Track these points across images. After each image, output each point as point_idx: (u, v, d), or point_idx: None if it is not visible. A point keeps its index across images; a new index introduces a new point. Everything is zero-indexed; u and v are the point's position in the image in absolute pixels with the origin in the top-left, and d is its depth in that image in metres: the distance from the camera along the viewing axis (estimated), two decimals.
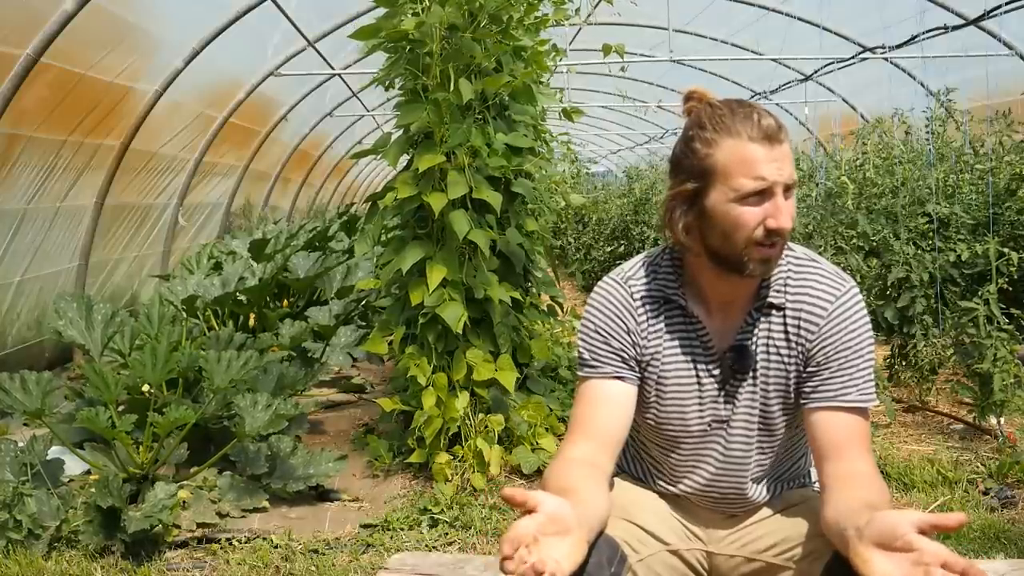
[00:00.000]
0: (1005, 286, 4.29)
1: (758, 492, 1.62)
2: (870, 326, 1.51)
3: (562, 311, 4.79)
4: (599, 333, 1.56)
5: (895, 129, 5.98)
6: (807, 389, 1.50)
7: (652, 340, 1.56)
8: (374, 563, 2.99)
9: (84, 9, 4.83)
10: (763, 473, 1.61)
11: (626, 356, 1.55)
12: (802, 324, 1.51)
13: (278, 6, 6.62)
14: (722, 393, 1.55)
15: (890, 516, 1.16)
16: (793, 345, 1.52)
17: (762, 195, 1.43)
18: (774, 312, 1.53)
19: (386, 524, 3.32)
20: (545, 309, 4.43)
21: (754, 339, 1.54)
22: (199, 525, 3.27)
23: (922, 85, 8.17)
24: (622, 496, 1.59)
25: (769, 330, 1.53)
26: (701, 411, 1.56)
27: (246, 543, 3.19)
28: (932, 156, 5.36)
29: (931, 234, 4.79)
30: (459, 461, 3.71)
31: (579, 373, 1.59)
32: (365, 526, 3.34)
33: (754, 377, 1.54)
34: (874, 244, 4.94)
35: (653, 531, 1.55)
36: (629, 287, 1.58)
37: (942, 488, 3.50)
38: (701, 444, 1.58)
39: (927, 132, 5.56)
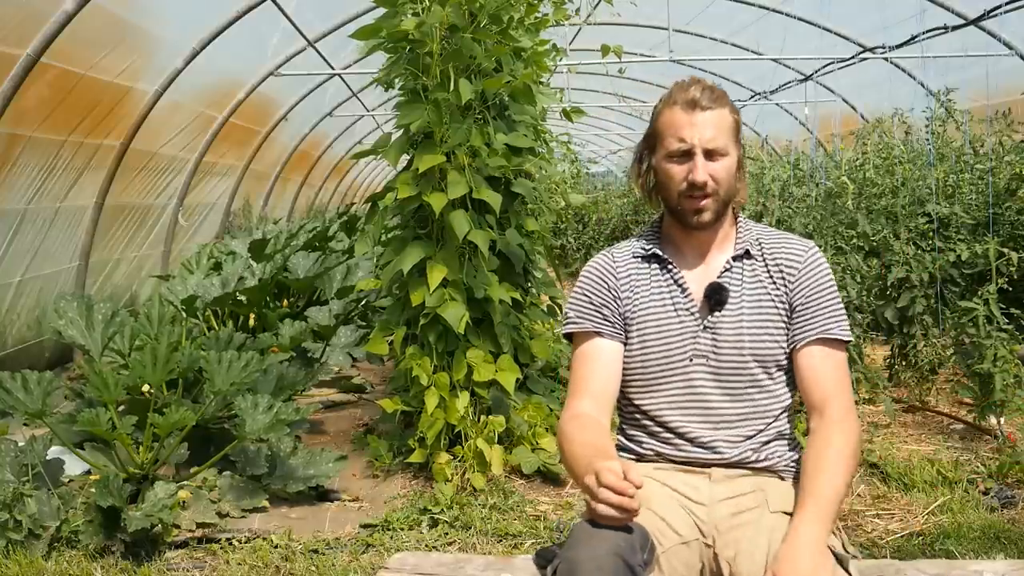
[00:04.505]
0: (1005, 286, 4.29)
1: (756, 437, 1.73)
2: (833, 278, 1.80)
3: (562, 311, 4.78)
4: (584, 295, 1.82)
5: (895, 129, 5.99)
6: (796, 330, 1.73)
7: (635, 292, 1.79)
8: (374, 563, 2.99)
9: (84, 9, 4.83)
10: (758, 413, 1.73)
11: (606, 313, 1.78)
12: (783, 269, 1.77)
13: (278, 6, 6.62)
14: (702, 327, 1.74)
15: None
16: (776, 283, 1.77)
17: (686, 155, 1.71)
18: (753, 258, 1.78)
19: (386, 524, 3.32)
20: (545, 309, 4.43)
21: (737, 278, 1.76)
22: (199, 525, 3.27)
23: (922, 85, 8.16)
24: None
25: (753, 268, 1.78)
26: (683, 345, 1.75)
27: (246, 543, 3.19)
28: (932, 156, 5.36)
29: (931, 234, 4.79)
30: (459, 461, 3.71)
31: (563, 331, 1.84)
32: (365, 526, 3.34)
33: (739, 309, 1.74)
34: (874, 244, 4.94)
35: (671, 522, 1.63)
36: (612, 255, 1.85)
37: (942, 488, 3.50)
38: (689, 379, 1.74)
39: (927, 132, 5.57)
